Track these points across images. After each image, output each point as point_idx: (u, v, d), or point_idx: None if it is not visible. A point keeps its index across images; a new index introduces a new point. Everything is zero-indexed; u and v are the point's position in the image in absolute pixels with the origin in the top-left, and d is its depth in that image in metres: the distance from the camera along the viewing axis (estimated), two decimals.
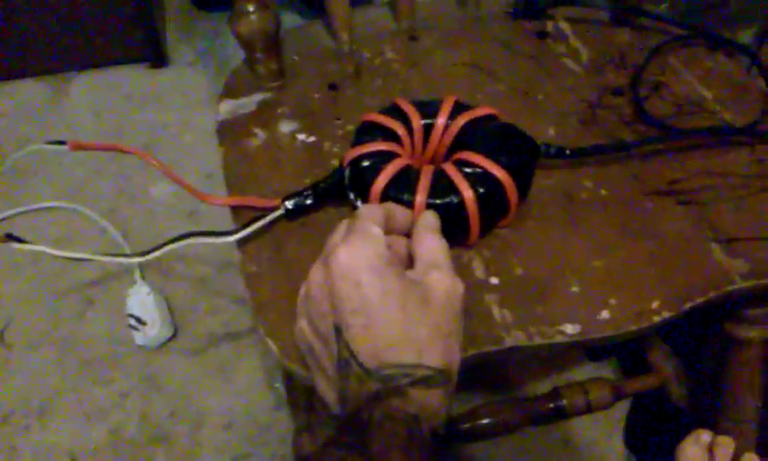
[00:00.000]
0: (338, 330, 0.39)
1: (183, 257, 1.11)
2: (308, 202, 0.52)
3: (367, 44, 0.68)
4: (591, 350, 0.98)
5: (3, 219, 1.15)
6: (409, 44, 0.69)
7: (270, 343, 0.47)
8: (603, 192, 0.55)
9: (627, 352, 0.96)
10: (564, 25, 0.69)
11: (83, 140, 1.24)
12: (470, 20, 0.71)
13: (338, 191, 0.52)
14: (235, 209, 0.54)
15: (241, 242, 0.52)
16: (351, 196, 0.51)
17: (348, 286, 0.39)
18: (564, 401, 0.75)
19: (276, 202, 0.52)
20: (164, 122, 1.32)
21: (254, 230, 0.51)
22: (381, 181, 0.48)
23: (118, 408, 0.96)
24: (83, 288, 1.09)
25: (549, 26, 0.69)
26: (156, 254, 0.49)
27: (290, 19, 1.48)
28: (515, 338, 0.47)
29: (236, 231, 0.50)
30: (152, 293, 1.01)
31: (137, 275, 1.06)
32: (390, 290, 0.39)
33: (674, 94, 0.62)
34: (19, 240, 0.49)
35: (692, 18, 0.91)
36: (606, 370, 0.98)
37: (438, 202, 0.48)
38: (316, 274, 0.42)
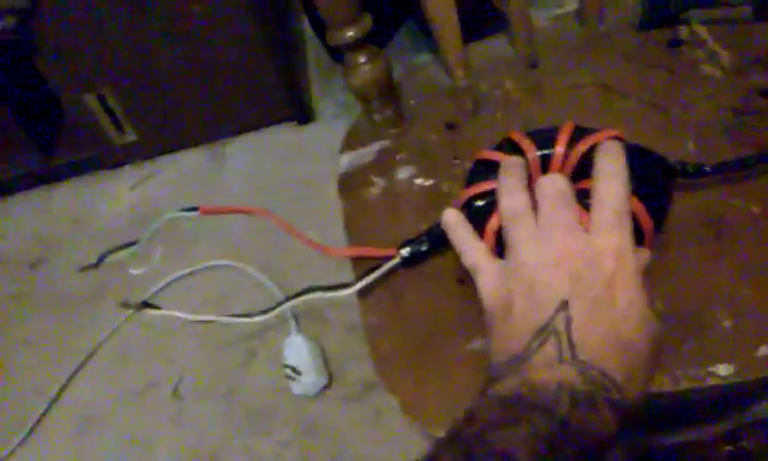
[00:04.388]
0: (564, 303, 0.38)
1: (336, 305, 1.13)
2: (423, 248, 0.51)
3: (484, 77, 0.66)
4: None
5: (172, 282, 1.25)
6: (529, 71, 0.66)
7: (390, 397, 0.46)
8: (755, 209, 0.48)
9: None
10: (699, 29, 0.63)
11: (237, 203, 1.33)
12: (594, 38, 0.66)
13: None
14: (355, 259, 0.54)
15: (361, 293, 0.52)
16: None
17: (603, 273, 0.38)
18: (746, 443, 0.67)
19: (393, 250, 0.51)
20: (313, 176, 1.37)
21: (372, 281, 0.51)
22: (495, 222, 0.46)
23: (279, 458, 0.99)
24: (245, 340, 1.14)
25: (683, 32, 0.63)
26: (275, 313, 0.50)
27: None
28: (659, 383, 0.42)
29: (352, 284, 0.50)
30: (305, 342, 1.04)
31: (292, 325, 1.10)
32: (636, 305, 0.38)
33: None
34: (153, 307, 0.52)
35: None
36: None
37: None
38: (569, 240, 0.40)
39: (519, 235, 0.42)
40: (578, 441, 0.33)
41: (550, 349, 0.36)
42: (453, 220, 0.48)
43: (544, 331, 0.37)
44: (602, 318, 0.37)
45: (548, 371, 0.36)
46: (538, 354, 0.37)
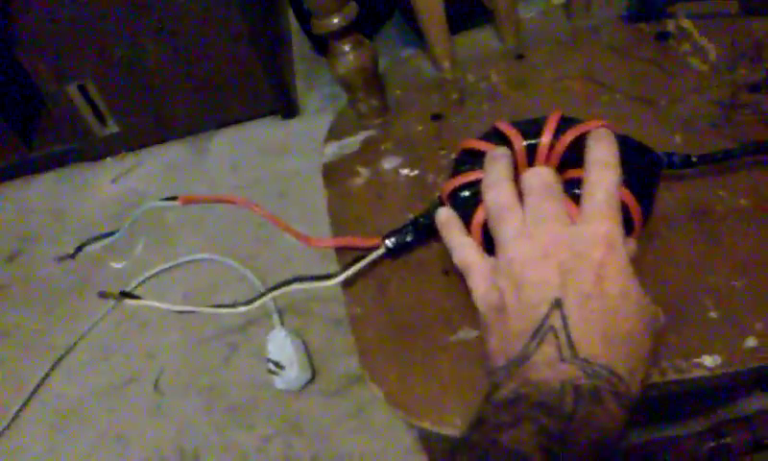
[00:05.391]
0: (558, 301, 0.37)
1: (319, 299, 1.12)
2: (409, 239, 0.50)
3: (471, 69, 0.66)
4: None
5: (154, 275, 1.24)
6: (515, 63, 0.65)
7: (374, 388, 0.45)
8: (742, 202, 0.48)
9: None
10: (686, 22, 0.62)
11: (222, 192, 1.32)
12: (581, 30, 0.66)
13: None
14: (339, 250, 0.54)
15: (346, 284, 0.51)
16: None
17: (592, 263, 0.38)
18: (729, 439, 0.67)
19: (378, 240, 0.51)
20: (297, 169, 1.36)
21: (357, 271, 0.50)
22: (481, 214, 0.45)
23: (262, 453, 0.98)
24: (227, 334, 1.13)
25: (670, 25, 0.63)
26: (258, 303, 0.49)
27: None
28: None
29: (336, 275, 0.49)
30: (289, 336, 1.03)
31: (276, 319, 1.09)
32: (629, 295, 0.38)
33: None
34: (134, 297, 0.51)
35: None
36: None
37: None
38: (556, 232, 0.40)
39: (507, 231, 0.41)
40: (588, 433, 0.33)
41: (549, 348, 0.36)
42: (445, 217, 0.47)
43: (541, 331, 0.37)
44: (597, 312, 0.37)
45: (550, 370, 0.35)
46: (537, 355, 0.36)
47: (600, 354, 0.36)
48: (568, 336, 0.36)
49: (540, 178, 0.42)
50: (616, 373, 0.35)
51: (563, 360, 0.35)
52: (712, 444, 0.67)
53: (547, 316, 0.37)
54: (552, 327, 0.36)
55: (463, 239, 0.46)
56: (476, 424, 0.36)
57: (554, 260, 0.38)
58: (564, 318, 0.36)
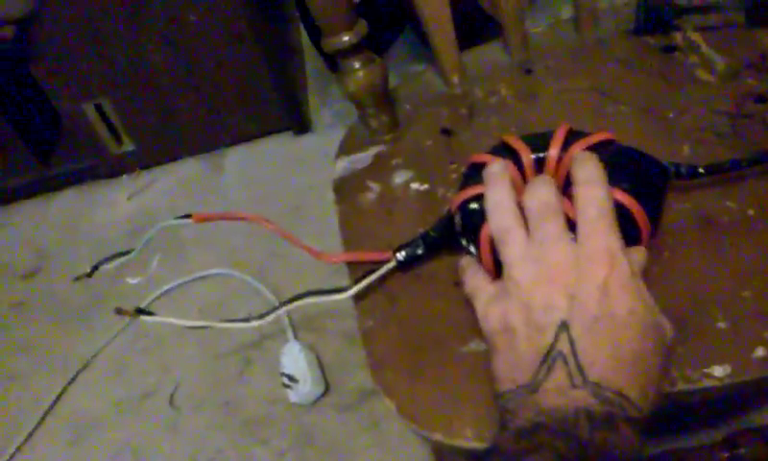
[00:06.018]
0: (564, 324, 0.37)
1: (333, 313, 1.13)
2: (419, 252, 0.51)
3: (480, 83, 0.66)
4: None
5: (169, 290, 1.25)
6: (524, 77, 0.66)
7: (387, 402, 0.46)
8: (750, 212, 0.48)
9: None
10: (693, 35, 0.63)
11: (237, 210, 1.33)
12: (589, 44, 0.67)
13: (449, 238, 0.50)
14: (351, 264, 0.54)
15: (357, 297, 0.51)
16: (464, 242, 0.49)
17: (596, 282, 0.38)
18: (742, 450, 0.67)
19: (388, 254, 0.51)
20: (310, 185, 1.37)
21: (368, 285, 0.50)
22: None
23: None
24: (242, 349, 1.14)
25: (677, 38, 0.63)
26: (272, 317, 0.50)
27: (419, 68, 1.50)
28: None
29: (347, 289, 0.50)
30: (303, 350, 1.04)
31: (289, 333, 1.09)
32: (636, 312, 0.38)
33: None
34: (148, 313, 0.52)
35: None
36: None
37: None
38: (559, 253, 0.40)
39: (511, 253, 0.42)
40: (604, 459, 0.33)
41: (559, 374, 0.36)
42: (465, 262, 0.49)
43: (550, 357, 0.37)
44: (605, 334, 0.37)
45: (562, 397, 0.35)
46: (548, 381, 0.36)
47: (610, 378, 0.36)
48: (577, 361, 0.36)
49: (537, 198, 0.42)
50: (627, 396, 0.35)
51: (574, 386, 0.35)
52: (726, 454, 0.67)
53: (555, 340, 0.37)
54: (560, 352, 0.36)
55: (476, 270, 0.47)
56: (492, 455, 0.36)
57: (559, 283, 0.39)
58: (571, 342, 0.36)
